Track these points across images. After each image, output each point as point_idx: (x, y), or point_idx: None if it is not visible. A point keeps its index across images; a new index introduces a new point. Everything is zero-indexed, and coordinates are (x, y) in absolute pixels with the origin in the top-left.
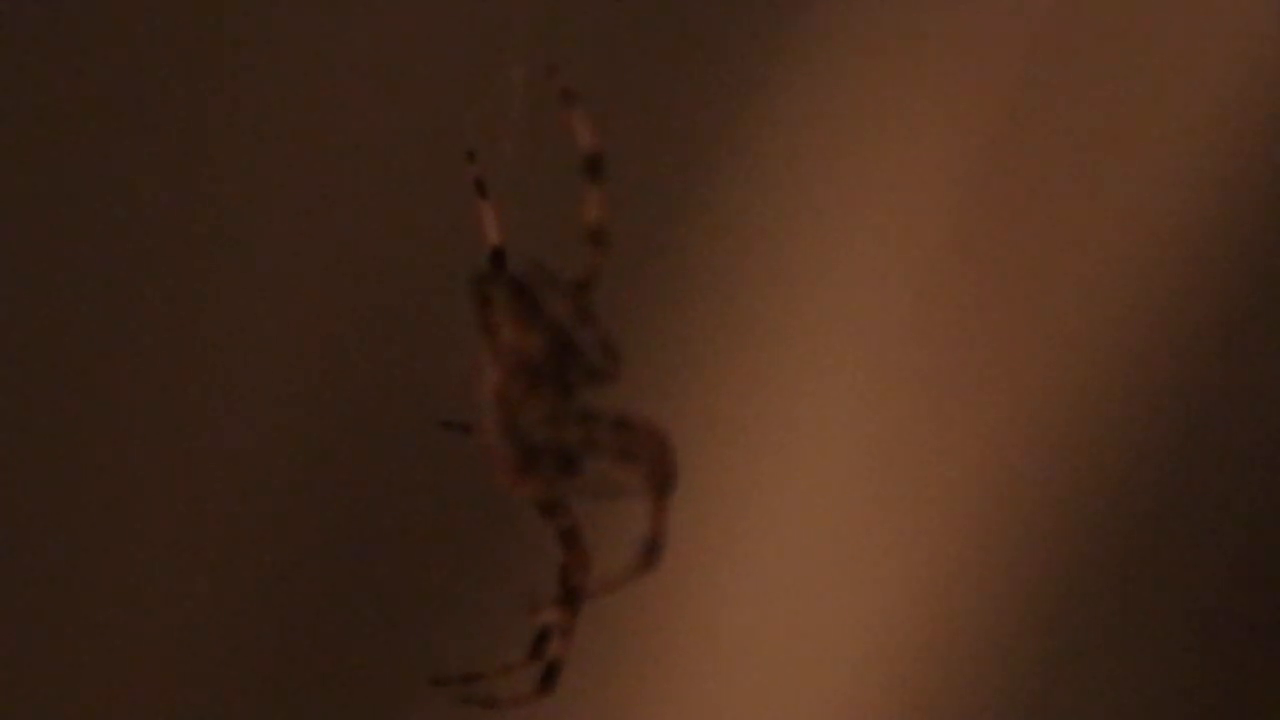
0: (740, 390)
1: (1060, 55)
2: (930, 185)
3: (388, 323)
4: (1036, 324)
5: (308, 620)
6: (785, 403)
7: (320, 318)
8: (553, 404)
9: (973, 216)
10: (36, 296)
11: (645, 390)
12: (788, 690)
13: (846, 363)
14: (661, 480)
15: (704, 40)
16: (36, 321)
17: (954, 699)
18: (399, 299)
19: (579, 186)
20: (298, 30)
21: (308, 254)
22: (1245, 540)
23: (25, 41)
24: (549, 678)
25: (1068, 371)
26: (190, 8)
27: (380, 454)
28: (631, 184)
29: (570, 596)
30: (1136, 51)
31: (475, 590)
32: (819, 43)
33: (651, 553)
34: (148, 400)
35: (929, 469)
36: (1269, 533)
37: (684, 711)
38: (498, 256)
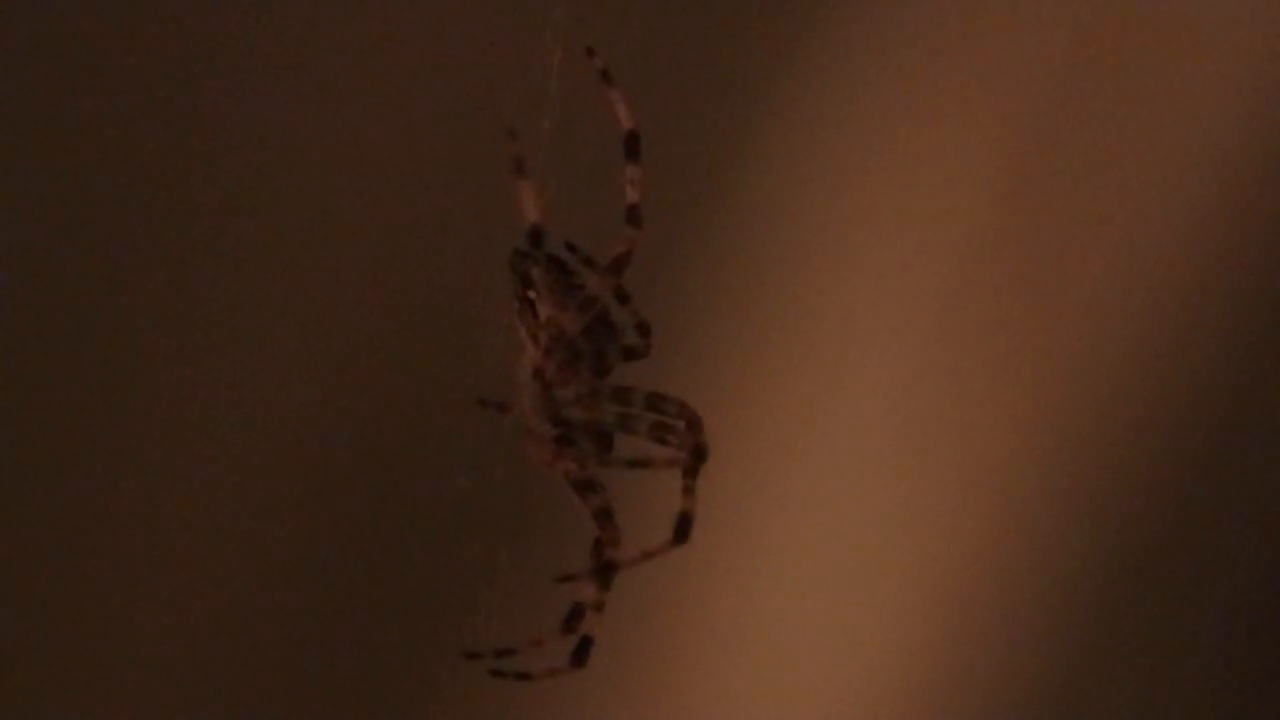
0: (769, 371)
1: (1089, 62)
2: (960, 184)
3: (426, 300)
4: (1062, 325)
5: (343, 594)
6: (813, 388)
7: (359, 295)
8: (588, 382)
9: (1001, 216)
10: (68, 290)
11: (677, 370)
12: (813, 671)
13: (874, 356)
14: (693, 457)
15: (742, 22)
16: (65, 315)
17: (978, 693)
18: (437, 277)
19: (616, 166)
20: (336, 12)
21: (345, 234)
22: (1275, 536)
23: (72, 44)
24: (581, 652)
25: (1093, 371)
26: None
27: (416, 430)
28: (668, 165)
29: (603, 572)
30: (1164, 60)
31: (510, 565)
32: (856, 32)
33: (682, 528)
34: (187, 381)
35: (954, 463)
36: None
37: (713, 685)
38: (536, 235)
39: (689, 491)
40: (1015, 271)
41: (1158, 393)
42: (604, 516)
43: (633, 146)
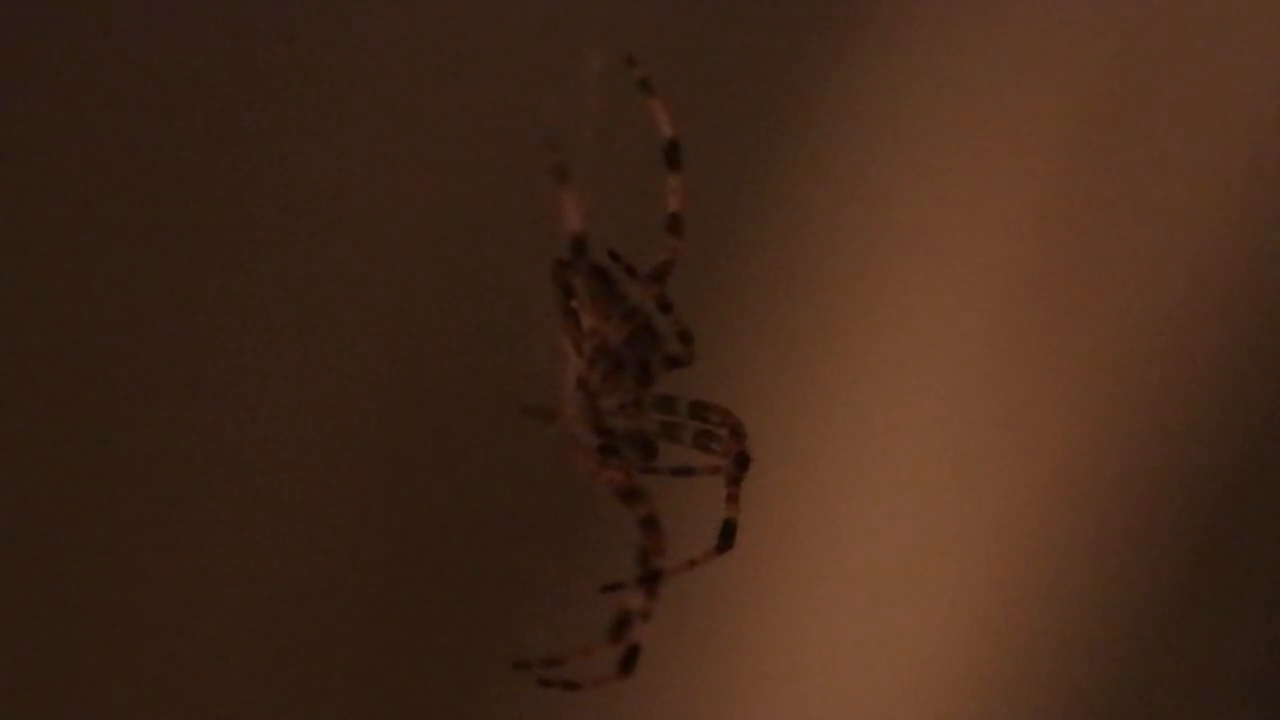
0: (811, 379)
1: (1135, 71)
2: (1006, 194)
3: (470, 310)
4: (1107, 340)
5: (393, 604)
6: (857, 397)
7: (405, 305)
8: (632, 390)
9: (1048, 228)
10: (109, 284)
11: (720, 378)
12: (858, 681)
13: (919, 365)
14: (737, 465)
15: (784, 32)
16: (106, 310)
17: (1024, 706)
18: (481, 287)
19: (657, 175)
20: (377, 20)
21: (389, 243)
22: None
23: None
24: (629, 661)
25: (1140, 385)
26: (269, 2)
27: (463, 440)
28: (709, 173)
29: (649, 580)
30: (1211, 69)
31: (557, 574)
32: (902, 41)
33: (726, 536)
34: (232, 391)
35: (1002, 473)
36: None
37: (759, 693)
38: (578, 244)
39: (733, 499)
40: (1062, 285)
41: (1203, 405)
42: (649, 525)
43: (674, 155)
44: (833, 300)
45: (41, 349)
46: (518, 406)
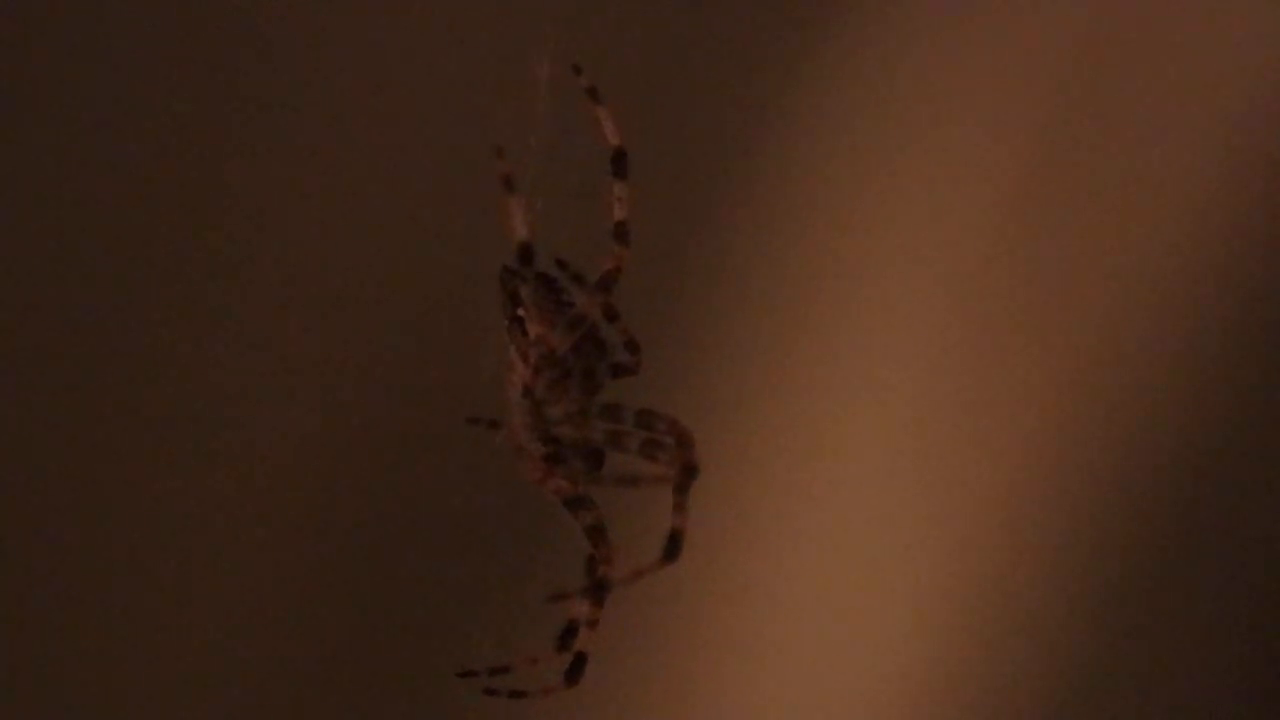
0: (759, 387)
1: (1102, 62)
2: (971, 193)
3: (415, 320)
4: (1076, 332)
5: (337, 615)
6: (806, 404)
7: (348, 317)
8: (578, 399)
9: (1014, 225)
10: (87, 300)
11: (667, 388)
12: (808, 688)
13: (879, 371)
14: (684, 474)
15: (733, 38)
16: (85, 325)
17: (989, 703)
18: (425, 296)
19: (604, 183)
20: (325, 30)
21: (334, 252)
22: None
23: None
24: (575, 669)
25: (1108, 378)
26: (223, 12)
27: (408, 450)
28: (655, 181)
29: (596, 589)
30: (1178, 66)
31: (502, 584)
32: (853, 48)
33: (673, 546)
34: (184, 405)
35: (967, 472)
36: None
37: (706, 703)
38: (525, 252)
39: (680, 509)
40: (1026, 281)
41: (1173, 398)
42: (596, 534)
43: (620, 164)
44: (786, 306)
45: (31, 356)
46: (464, 415)
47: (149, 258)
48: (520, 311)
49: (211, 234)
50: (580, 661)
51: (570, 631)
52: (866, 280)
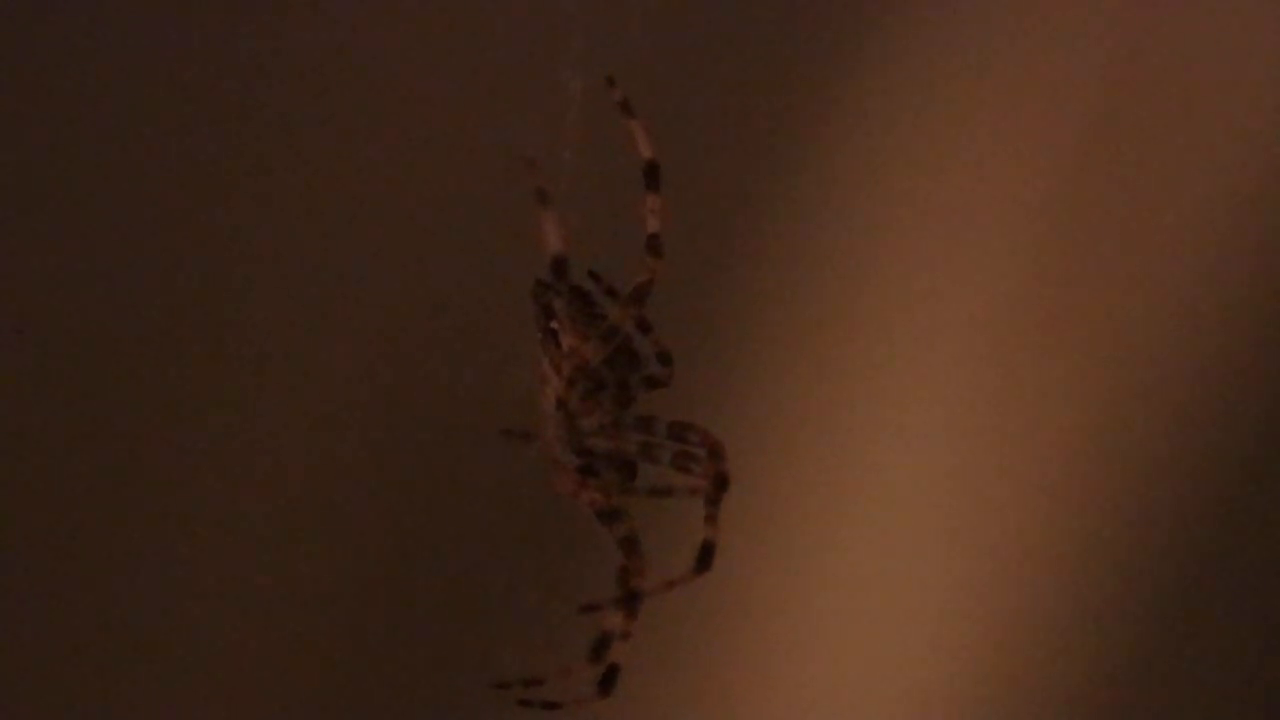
0: (792, 399)
1: (1133, 85)
2: (1006, 204)
3: (449, 331)
4: (1107, 338)
5: (373, 623)
6: (838, 415)
7: (384, 327)
8: (611, 411)
9: (1048, 228)
10: (119, 302)
11: (699, 399)
12: (842, 696)
13: (912, 380)
14: (716, 485)
15: (767, 53)
16: (114, 325)
17: (1025, 708)
18: (460, 308)
19: (637, 196)
20: (358, 42)
21: (369, 264)
22: None
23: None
24: (608, 681)
25: (1142, 383)
26: (247, 23)
27: (444, 461)
28: (689, 194)
29: (629, 600)
30: (1208, 83)
31: (537, 595)
32: (887, 63)
33: (705, 557)
34: (213, 413)
35: (998, 481)
36: None
37: (743, 712)
38: (558, 265)
39: (712, 520)
40: (1058, 287)
41: (1203, 408)
42: (629, 545)
43: (653, 176)
44: (819, 317)
45: (34, 365)
46: (497, 428)
47: (181, 268)
48: (554, 324)
49: (242, 245)
50: (613, 673)
51: (603, 643)
52: (901, 292)
